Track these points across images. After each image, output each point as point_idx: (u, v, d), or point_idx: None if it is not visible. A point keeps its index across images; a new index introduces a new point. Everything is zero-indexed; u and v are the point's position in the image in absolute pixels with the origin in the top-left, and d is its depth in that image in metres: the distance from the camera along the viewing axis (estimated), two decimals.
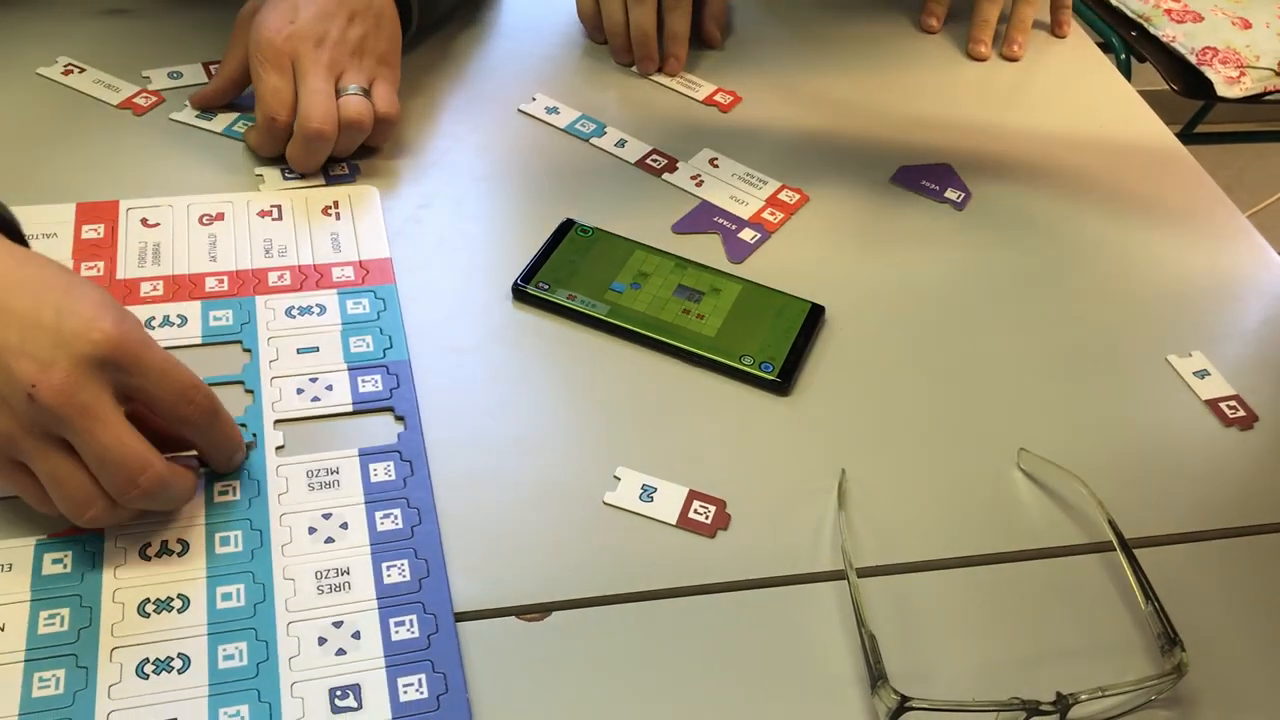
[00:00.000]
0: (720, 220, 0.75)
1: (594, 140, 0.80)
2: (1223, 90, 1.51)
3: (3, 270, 0.50)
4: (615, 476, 0.59)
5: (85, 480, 0.49)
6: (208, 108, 0.76)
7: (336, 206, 0.71)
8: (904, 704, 0.48)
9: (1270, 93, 1.53)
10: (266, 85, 0.70)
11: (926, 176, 0.80)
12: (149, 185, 0.71)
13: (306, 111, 0.69)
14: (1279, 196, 1.84)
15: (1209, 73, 1.52)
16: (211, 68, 0.80)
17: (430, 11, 0.83)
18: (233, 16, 0.75)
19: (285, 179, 0.72)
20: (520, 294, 0.67)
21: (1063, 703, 0.49)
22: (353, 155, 0.74)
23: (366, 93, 0.72)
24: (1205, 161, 0.86)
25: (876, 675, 0.50)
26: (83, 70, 0.78)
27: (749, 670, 0.52)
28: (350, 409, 0.59)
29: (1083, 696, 0.50)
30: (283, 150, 0.72)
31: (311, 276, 0.66)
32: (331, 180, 0.73)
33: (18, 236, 0.56)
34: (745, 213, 0.75)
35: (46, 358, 0.47)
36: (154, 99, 0.77)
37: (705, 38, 0.89)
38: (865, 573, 0.56)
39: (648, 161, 0.78)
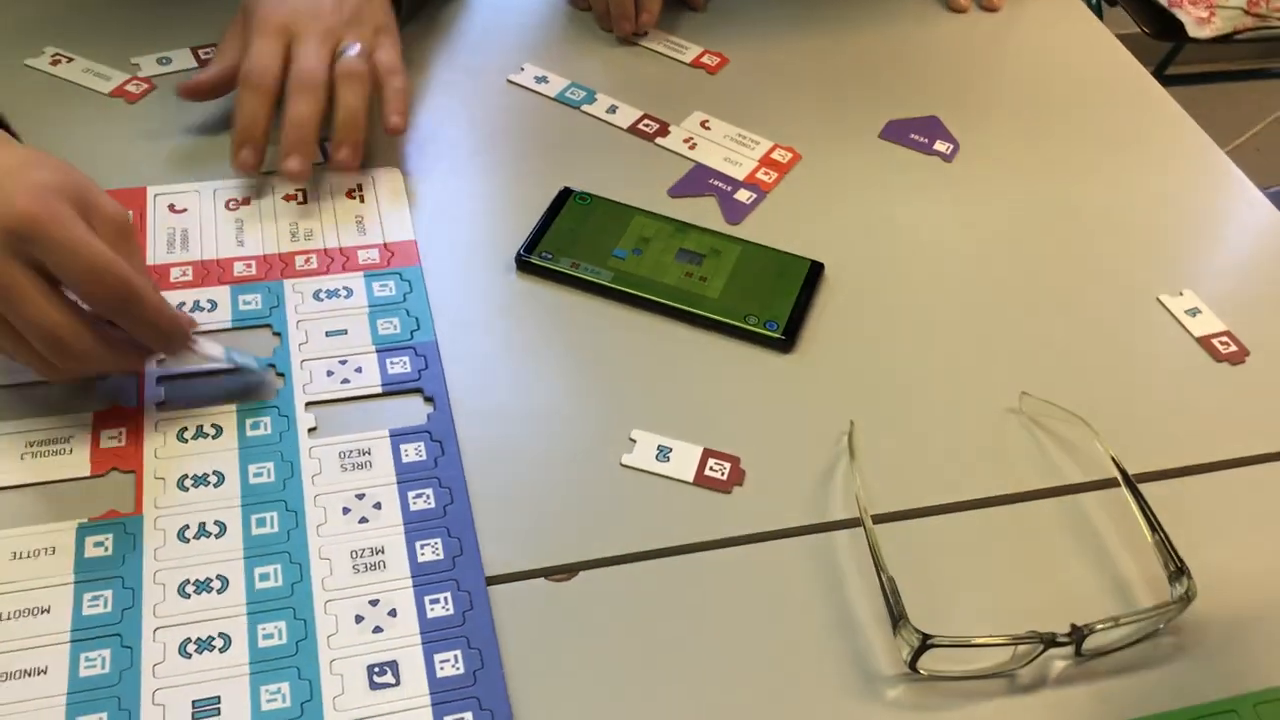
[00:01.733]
0: (715, 182, 0.75)
1: (585, 108, 0.80)
2: (1194, 31, 1.53)
3: None
4: (631, 439, 0.60)
5: (52, 308, 0.52)
6: (198, 97, 0.72)
7: (361, 189, 0.71)
8: (926, 642, 0.50)
9: (1240, 31, 1.55)
10: (254, 48, 0.68)
11: (915, 130, 0.81)
12: (164, 172, 0.71)
13: (296, 65, 0.68)
14: (1252, 134, 1.86)
15: (1179, 14, 1.53)
16: (200, 52, 0.80)
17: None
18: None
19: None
20: (524, 264, 0.68)
21: (1078, 633, 0.51)
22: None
23: (363, 56, 0.71)
24: (1178, 100, 0.88)
25: (897, 616, 0.51)
26: (71, 60, 0.78)
27: (773, 618, 0.53)
28: (380, 390, 0.60)
29: (1097, 626, 0.51)
30: (266, 122, 0.68)
31: (338, 260, 0.66)
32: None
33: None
34: (739, 174, 0.76)
35: None
36: (145, 85, 0.77)
37: (688, 0, 0.90)
38: (880, 519, 0.57)
39: (640, 126, 0.79)
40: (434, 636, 0.50)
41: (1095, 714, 0.51)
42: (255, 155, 0.68)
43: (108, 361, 0.54)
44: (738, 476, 0.59)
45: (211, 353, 0.57)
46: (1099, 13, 1.61)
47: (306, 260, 0.66)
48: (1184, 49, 1.62)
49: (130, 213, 0.56)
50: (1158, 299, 0.71)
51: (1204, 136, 0.84)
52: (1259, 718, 0.52)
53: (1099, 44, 0.92)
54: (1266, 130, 1.90)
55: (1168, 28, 1.55)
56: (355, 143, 0.69)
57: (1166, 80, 1.86)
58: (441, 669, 0.49)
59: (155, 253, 0.65)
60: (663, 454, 0.59)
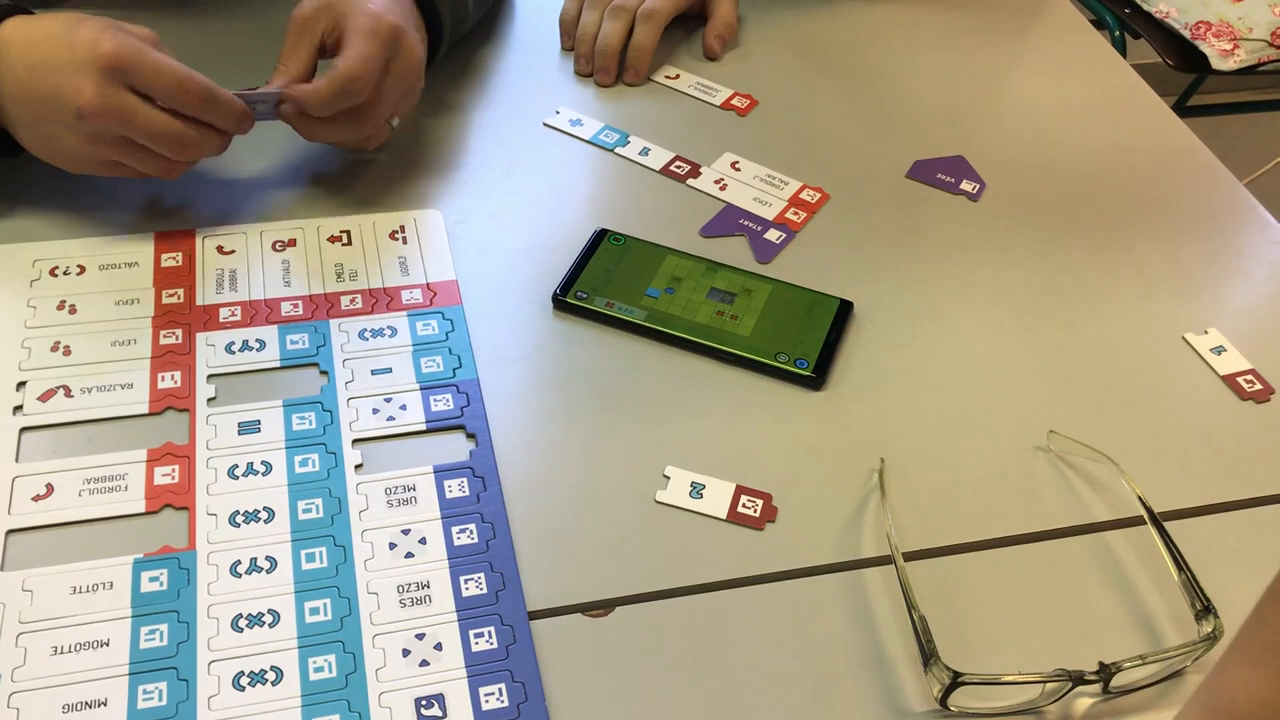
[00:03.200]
0: (746, 222, 0.77)
1: (618, 150, 0.82)
2: (1217, 63, 1.54)
3: (24, 36, 0.65)
4: (665, 475, 0.61)
5: (165, 118, 0.65)
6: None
7: (403, 230, 0.73)
8: (956, 679, 0.51)
9: (1264, 63, 1.56)
10: (367, 49, 0.69)
11: (942, 169, 0.83)
12: (211, 215, 0.73)
13: (380, 112, 0.72)
14: (1275, 164, 1.86)
15: (1203, 46, 1.54)
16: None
17: (458, 28, 0.84)
18: (207, 26, 0.80)
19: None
20: (560, 304, 0.70)
21: (1105, 671, 0.52)
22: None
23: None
24: (1198, 133, 0.89)
25: (929, 654, 0.52)
26: None
27: (805, 654, 0.55)
28: (424, 427, 0.62)
29: (1125, 665, 0.52)
30: (330, 112, 0.69)
31: (382, 300, 0.68)
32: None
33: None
34: (769, 214, 0.78)
35: (76, 84, 0.63)
36: None
37: (706, 51, 0.92)
38: (910, 556, 0.59)
39: (671, 168, 0.81)
40: (479, 670, 0.52)
41: None
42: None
43: (211, 143, 0.68)
44: (770, 514, 0.60)
45: (268, 90, 0.69)
46: (1122, 44, 1.62)
47: (352, 300, 0.68)
48: (1206, 80, 1.63)
49: (151, 32, 0.67)
50: (1183, 337, 0.72)
51: (1226, 172, 0.85)
52: None
53: (1121, 81, 0.94)
54: None
55: (1191, 60, 1.56)
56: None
57: (1189, 111, 1.87)
58: (486, 702, 0.51)
59: (205, 294, 0.68)
60: (696, 491, 0.61)
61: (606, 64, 0.87)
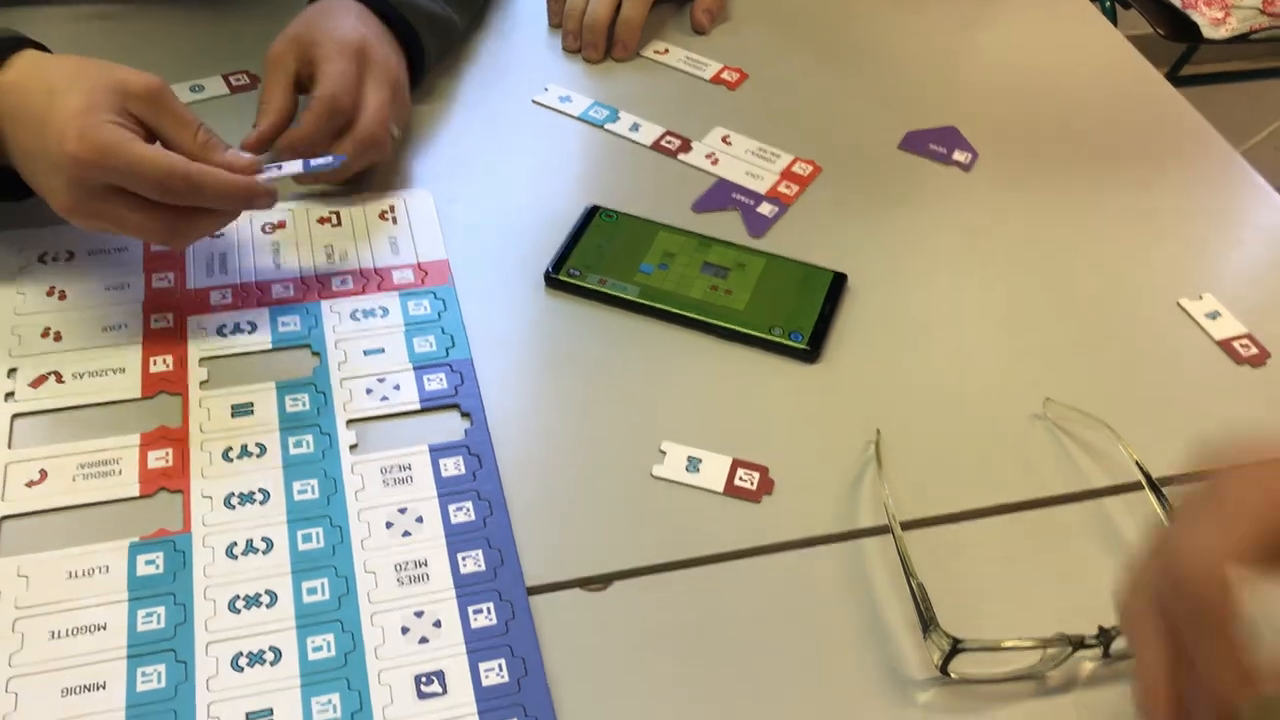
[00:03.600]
0: (738, 196, 0.77)
1: (608, 126, 0.82)
2: (1209, 32, 1.53)
3: (17, 91, 0.60)
4: (661, 450, 0.61)
5: (143, 217, 0.60)
6: (264, 148, 0.71)
7: (393, 211, 0.73)
8: (956, 646, 0.51)
9: (1256, 31, 1.55)
10: (336, 68, 0.70)
11: (934, 140, 0.82)
12: None
13: (364, 112, 0.70)
14: (1269, 131, 1.86)
15: (1194, 15, 1.54)
16: (231, 79, 0.82)
17: (445, 48, 0.84)
18: (225, 19, 0.78)
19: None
20: (552, 281, 0.70)
21: (1106, 636, 0.52)
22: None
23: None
24: (1191, 103, 0.89)
25: (928, 621, 0.52)
26: None
27: (804, 625, 0.55)
28: (418, 407, 0.61)
29: None
30: (328, 141, 0.70)
31: (373, 280, 0.68)
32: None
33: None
34: (761, 187, 0.77)
35: (50, 185, 0.58)
36: None
37: (694, 25, 0.91)
38: (908, 526, 0.58)
39: (662, 143, 0.80)
40: (478, 646, 0.52)
41: (1124, 714, 0.52)
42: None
43: (207, 224, 0.62)
44: (767, 486, 0.60)
45: (293, 170, 0.65)
46: (1113, 15, 1.62)
47: (342, 281, 0.68)
48: (1199, 49, 1.63)
49: (156, 78, 0.61)
50: (1178, 303, 0.72)
51: (1219, 139, 0.85)
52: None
53: (1113, 49, 0.93)
54: None
55: (1182, 29, 1.55)
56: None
57: (1181, 81, 1.86)
58: (487, 677, 0.51)
59: (195, 277, 0.67)
60: (693, 465, 0.60)
61: (595, 39, 0.87)
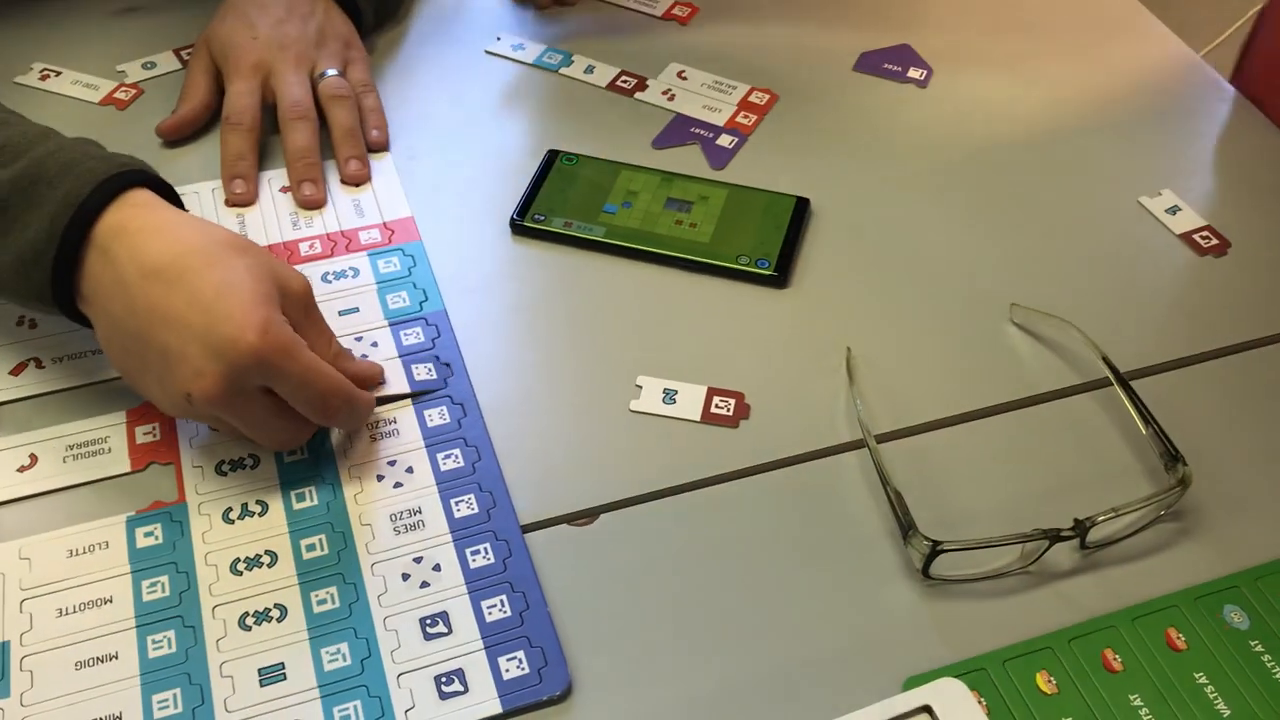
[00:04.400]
0: (697, 130, 0.77)
1: (563, 70, 0.82)
2: None
3: (164, 260, 0.52)
4: (637, 385, 0.62)
5: (283, 424, 0.55)
6: (180, 135, 0.75)
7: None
8: (936, 548, 0.52)
9: None
10: (233, 90, 0.73)
11: (888, 59, 0.83)
12: (162, 175, 0.73)
13: (282, 98, 0.73)
14: (1235, 29, 1.86)
15: None
16: (183, 53, 0.82)
17: (383, 5, 0.84)
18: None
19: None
20: (518, 228, 0.70)
21: (1080, 526, 0.54)
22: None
23: (341, 74, 0.76)
24: (1155, 5, 0.89)
25: (907, 526, 0.54)
26: (59, 73, 0.80)
27: (789, 541, 0.56)
28: (397, 361, 0.62)
29: (1099, 518, 0.54)
30: (252, 155, 0.72)
31: (340, 242, 0.69)
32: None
33: (172, 197, 0.59)
34: (720, 119, 0.78)
35: (199, 367, 0.51)
36: (134, 91, 0.79)
37: None
38: (883, 438, 0.60)
39: (618, 83, 0.81)
40: (479, 585, 0.53)
41: (1105, 602, 0.54)
42: (248, 185, 0.71)
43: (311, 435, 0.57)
44: (743, 411, 0.61)
45: (398, 390, 0.61)
46: None
47: (311, 246, 0.68)
48: None
49: (307, 280, 0.57)
50: (1138, 201, 0.73)
51: (1173, 37, 0.85)
52: (1260, 591, 0.54)
53: None
54: (1247, 26, 1.90)
55: None
56: (360, 154, 0.74)
57: None
58: (490, 614, 0.52)
59: None
60: (669, 396, 0.61)
61: None
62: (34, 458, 0.58)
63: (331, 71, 0.75)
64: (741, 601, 0.54)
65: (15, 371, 0.61)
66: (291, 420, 0.55)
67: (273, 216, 0.70)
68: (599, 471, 0.58)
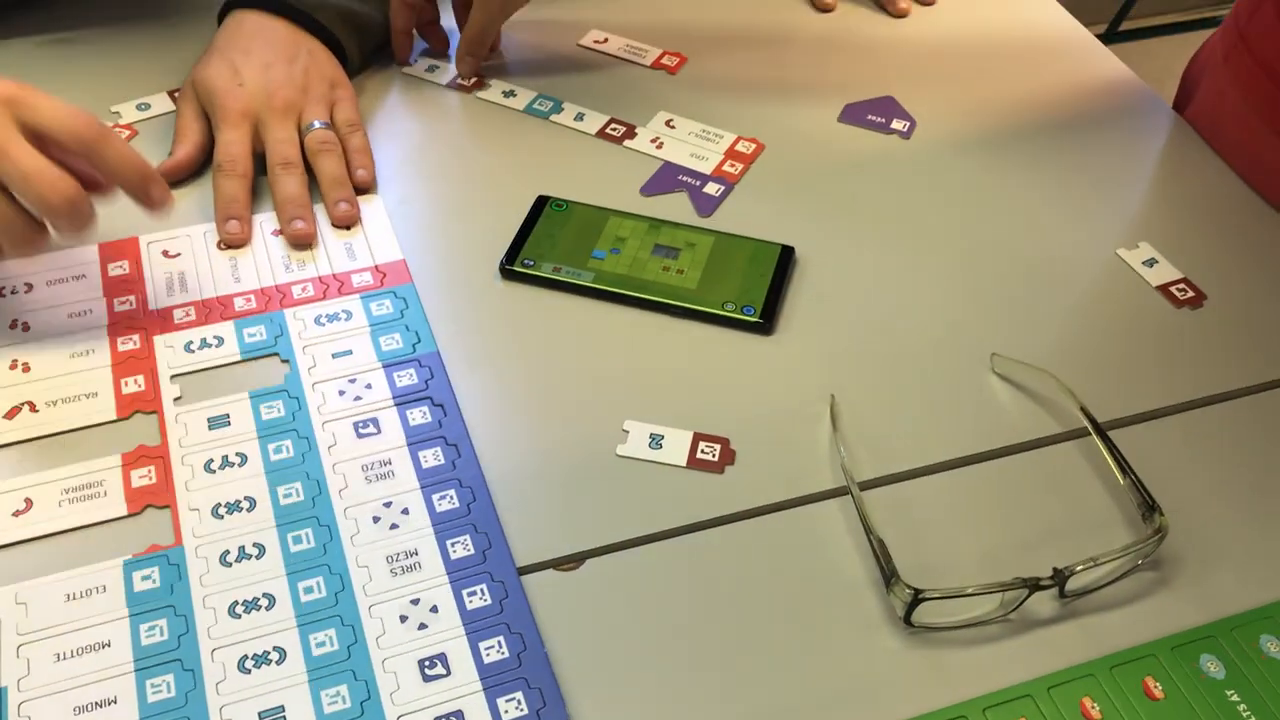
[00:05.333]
0: (684, 178, 0.79)
1: (553, 117, 0.83)
2: None
3: None
4: (624, 429, 0.63)
5: (11, 211, 0.60)
6: (177, 179, 0.76)
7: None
8: (917, 596, 0.53)
9: None
10: (223, 139, 0.75)
11: (872, 111, 0.84)
12: (154, 219, 0.74)
13: (271, 153, 0.75)
14: None
15: None
16: (175, 94, 0.83)
17: (367, 43, 0.86)
18: (177, 38, 0.81)
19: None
20: (508, 273, 0.71)
21: (1059, 575, 0.55)
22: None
23: (327, 125, 0.77)
24: (1132, 56, 0.91)
25: (889, 574, 0.55)
26: None
27: (773, 587, 0.57)
28: (391, 404, 0.63)
29: (1077, 568, 0.55)
30: (246, 198, 0.73)
31: (333, 285, 0.70)
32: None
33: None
34: (707, 168, 0.79)
35: None
36: (129, 133, 0.80)
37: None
38: (866, 485, 0.61)
39: (607, 131, 0.82)
40: (476, 626, 0.54)
41: (1084, 650, 0.55)
42: (243, 226, 0.73)
43: (85, 209, 0.60)
44: (728, 457, 0.62)
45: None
46: None
47: (303, 289, 0.69)
48: (1137, 2, 1.65)
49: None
50: (1116, 253, 0.75)
51: (1147, 90, 0.88)
52: (1236, 640, 0.55)
53: (1041, 11, 0.96)
54: None
55: None
56: (349, 198, 0.75)
57: (1121, 36, 1.89)
58: (488, 655, 0.53)
59: (156, 297, 0.68)
60: (655, 441, 0.62)
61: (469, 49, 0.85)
62: (29, 501, 0.58)
63: (318, 124, 0.76)
64: (725, 648, 0.54)
65: (10, 415, 0.62)
66: (50, 163, 0.59)
67: (265, 260, 0.71)
68: (585, 517, 0.59)
